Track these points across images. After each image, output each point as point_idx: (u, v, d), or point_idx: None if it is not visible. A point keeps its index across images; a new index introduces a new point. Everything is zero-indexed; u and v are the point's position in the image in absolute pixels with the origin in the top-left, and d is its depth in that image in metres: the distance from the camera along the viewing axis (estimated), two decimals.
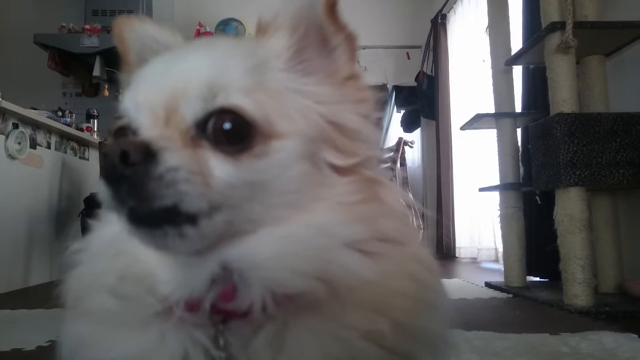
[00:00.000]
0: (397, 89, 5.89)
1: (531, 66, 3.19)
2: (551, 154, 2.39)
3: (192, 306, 0.47)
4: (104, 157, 0.41)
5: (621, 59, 2.73)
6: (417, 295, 0.47)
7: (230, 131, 0.45)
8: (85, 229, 3.65)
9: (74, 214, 4.16)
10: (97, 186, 0.43)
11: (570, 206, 2.30)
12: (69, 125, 4.25)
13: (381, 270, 0.46)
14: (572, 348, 1.41)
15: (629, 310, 2.19)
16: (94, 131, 4.88)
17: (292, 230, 0.46)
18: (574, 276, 2.27)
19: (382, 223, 0.48)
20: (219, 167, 0.45)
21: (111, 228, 0.54)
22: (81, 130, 4.54)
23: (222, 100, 0.46)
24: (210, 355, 0.46)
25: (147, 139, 0.43)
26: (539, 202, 2.90)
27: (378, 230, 0.48)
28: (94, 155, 4.53)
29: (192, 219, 0.43)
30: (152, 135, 0.44)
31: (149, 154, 0.41)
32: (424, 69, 5.75)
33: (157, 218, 0.42)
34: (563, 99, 2.37)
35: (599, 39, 2.54)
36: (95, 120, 5.03)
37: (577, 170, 2.29)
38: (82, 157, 4.49)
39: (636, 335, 1.66)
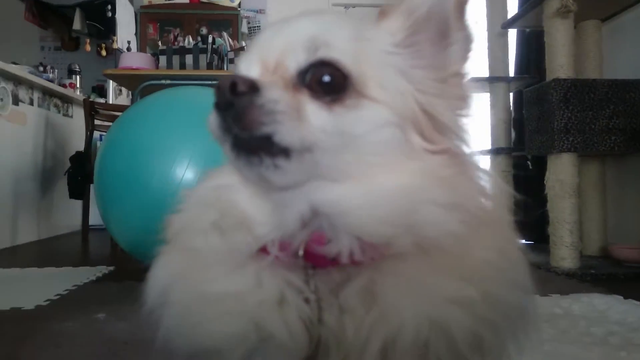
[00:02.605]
0: None
1: (527, 30, 3.17)
2: (545, 120, 2.41)
3: (285, 247, 0.50)
4: (216, 89, 0.47)
5: (617, 24, 2.72)
6: (506, 269, 0.48)
7: (327, 82, 0.50)
8: (71, 188, 3.60)
9: (59, 172, 4.09)
10: (212, 118, 0.49)
11: (561, 172, 2.34)
12: (51, 81, 4.11)
13: (471, 239, 0.47)
14: (564, 309, 1.47)
15: (612, 272, 2.27)
16: (77, 87, 4.73)
17: (380, 185, 0.49)
18: (561, 239, 2.33)
19: (473, 199, 0.49)
20: (314, 112, 0.49)
21: (211, 182, 0.58)
22: (64, 86, 4.40)
23: (322, 53, 0.51)
24: (305, 297, 0.49)
25: (254, 78, 0.49)
26: (530, 167, 2.95)
27: (469, 205, 0.48)
28: (78, 113, 4.41)
29: (285, 152, 0.48)
30: (257, 75, 0.50)
31: (254, 87, 0.47)
32: None
33: (255, 146, 0.48)
34: (560, 64, 2.37)
35: (597, 3, 2.52)
36: (78, 77, 4.87)
37: (571, 137, 2.32)
38: (66, 115, 4.37)
39: (622, 297, 1.73)
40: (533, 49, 3.13)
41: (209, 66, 3.38)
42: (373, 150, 0.50)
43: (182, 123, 2.13)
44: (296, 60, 0.51)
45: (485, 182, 0.52)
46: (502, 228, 0.51)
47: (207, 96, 2.46)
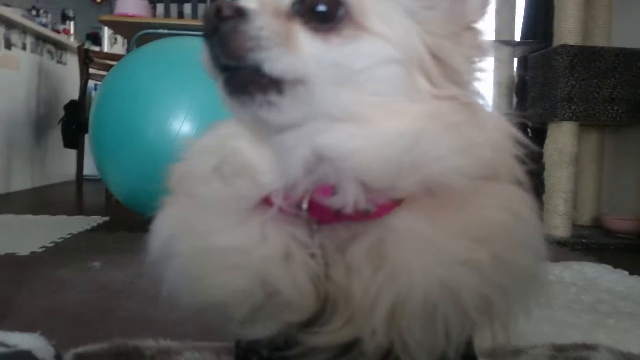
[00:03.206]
0: None
1: None
2: (549, 87, 2.37)
3: (289, 197, 0.48)
4: (203, 17, 0.45)
5: None
6: (517, 231, 0.46)
7: (321, 10, 0.47)
8: (66, 137, 3.57)
9: (53, 120, 4.03)
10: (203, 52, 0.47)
11: (561, 140, 2.33)
12: (44, 25, 3.99)
13: (482, 193, 0.46)
14: (555, 276, 1.49)
15: (603, 242, 2.31)
16: (71, 34, 4.61)
17: (385, 127, 0.47)
18: (556, 208, 2.35)
19: (483, 151, 0.47)
20: (306, 40, 0.47)
21: (215, 131, 0.56)
22: (57, 32, 4.28)
23: None
24: (310, 252, 0.47)
25: (243, 4, 0.46)
26: (530, 134, 2.93)
27: (478, 156, 0.46)
28: (72, 60, 4.30)
29: (277, 85, 0.45)
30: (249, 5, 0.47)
31: (240, 12, 0.45)
32: None
33: (245, 80, 0.46)
34: (568, 29, 2.31)
35: None
36: (72, 22, 4.73)
37: (573, 105, 2.29)
38: (60, 62, 4.27)
39: (611, 267, 1.76)
40: (541, 12, 3.06)
41: None
42: (374, 88, 0.48)
43: (180, 75, 2.08)
44: None
45: (498, 134, 0.49)
46: (513, 185, 0.49)
47: None
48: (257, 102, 0.46)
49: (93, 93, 4.39)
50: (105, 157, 2.22)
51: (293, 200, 0.48)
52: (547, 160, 2.37)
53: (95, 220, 2.56)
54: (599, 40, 2.59)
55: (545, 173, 2.38)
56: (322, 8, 0.47)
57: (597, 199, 2.76)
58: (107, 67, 3.46)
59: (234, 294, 0.47)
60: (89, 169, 4.11)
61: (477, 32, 0.52)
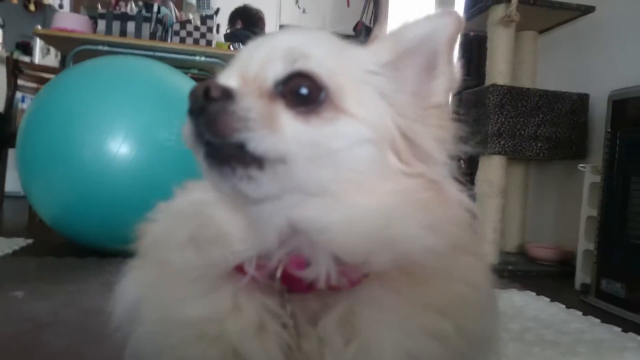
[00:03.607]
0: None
1: (471, 33, 3.28)
2: (481, 122, 2.52)
3: (262, 267, 0.49)
4: (190, 95, 0.47)
5: (552, 37, 2.88)
6: (476, 301, 0.49)
7: (303, 93, 0.50)
8: None
9: None
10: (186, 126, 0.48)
11: (491, 172, 2.47)
12: None
13: (446, 267, 0.48)
14: None
15: (527, 269, 2.45)
16: (0, 43, 4.34)
17: (358, 203, 0.49)
18: (485, 236, 2.47)
19: (448, 228, 0.49)
20: (288, 121, 0.49)
21: (190, 196, 0.56)
22: None
23: (299, 65, 0.51)
24: (282, 322, 0.48)
25: (230, 85, 0.48)
26: (462, 166, 3.08)
27: (444, 233, 0.49)
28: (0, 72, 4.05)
29: (258, 161, 0.47)
30: (235, 86, 0.49)
31: (227, 94, 0.47)
32: (363, 20, 5.69)
33: (228, 155, 0.47)
34: (499, 70, 2.49)
35: (537, 15, 2.65)
36: (1, 30, 4.46)
37: (502, 140, 2.45)
38: None
39: (534, 293, 1.88)
40: (475, 53, 3.26)
41: (152, 36, 3.21)
42: (349, 167, 0.50)
43: (120, 94, 2.03)
44: (274, 71, 0.50)
45: (459, 207, 0.53)
46: (475, 259, 0.52)
47: (148, 68, 2.36)
48: (238, 176, 0.47)
49: (20, 105, 4.14)
50: (34, 175, 2.09)
51: (265, 270, 0.48)
52: (478, 191, 2.50)
53: (17, 243, 2.38)
54: (525, 81, 2.80)
55: (476, 203, 2.51)
56: (304, 91, 0.50)
57: (521, 228, 2.93)
58: (38, 80, 3.29)
59: None
60: (10, 185, 3.85)
61: (443, 112, 0.55)
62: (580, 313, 1.67)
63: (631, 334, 1.43)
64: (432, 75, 0.56)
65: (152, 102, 2.05)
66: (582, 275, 2.15)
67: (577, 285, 2.16)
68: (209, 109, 0.45)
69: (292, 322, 0.48)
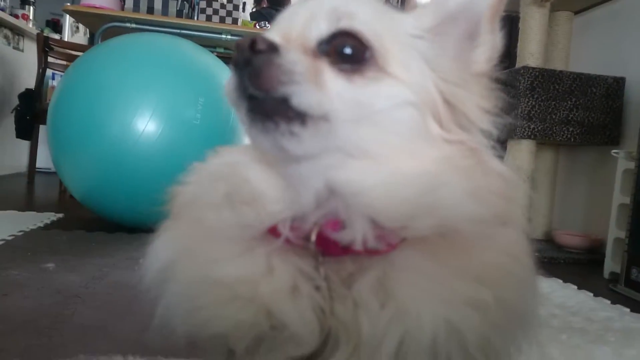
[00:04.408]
0: None
1: (503, 13, 3.19)
2: (511, 105, 2.46)
3: (297, 229, 0.48)
4: (236, 47, 0.45)
5: (588, 18, 2.78)
6: (518, 275, 0.48)
7: (347, 52, 0.49)
8: (19, 127, 3.40)
9: (7, 109, 3.85)
10: (230, 80, 0.47)
11: (520, 157, 2.41)
12: (2, 9, 3.81)
13: (486, 240, 0.47)
14: None
15: (554, 256, 2.40)
16: (30, 19, 4.41)
17: (399, 167, 0.48)
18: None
19: (493, 198, 0.48)
20: (332, 79, 0.48)
21: (224, 157, 0.56)
22: (16, 17, 4.09)
23: (344, 23, 0.50)
24: (315, 285, 0.47)
25: (273, 39, 0.47)
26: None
27: (489, 203, 0.48)
28: (30, 47, 4.13)
29: (301, 117, 0.46)
30: (259, 36, 0.47)
31: (273, 47, 0.46)
32: None
33: (271, 110, 0.46)
34: (531, 52, 2.41)
35: None
36: (32, 7, 4.53)
37: (532, 124, 2.39)
38: (17, 48, 4.08)
39: (561, 281, 1.84)
40: (506, 33, 3.17)
41: (179, 14, 3.22)
42: (391, 129, 0.49)
43: (147, 72, 2.04)
44: (318, 30, 0.50)
45: (502, 180, 0.51)
46: (515, 230, 0.51)
47: (175, 46, 2.36)
48: (280, 131, 0.46)
49: (51, 82, 4.22)
50: (64, 151, 2.13)
51: (300, 232, 0.48)
52: None
53: (49, 216, 2.45)
54: (558, 64, 2.71)
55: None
56: (348, 50, 0.49)
57: (549, 215, 2.87)
58: (67, 57, 3.34)
59: (237, 326, 0.47)
60: (41, 161, 3.95)
61: (485, 81, 0.54)
62: (609, 302, 1.64)
63: None
64: (474, 44, 0.55)
65: (178, 80, 2.06)
66: (611, 264, 2.10)
67: (606, 274, 2.11)
68: (255, 61, 0.45)
69: (326, 284, 0.48)
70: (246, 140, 0.53)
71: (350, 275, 0.48)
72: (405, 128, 0.50)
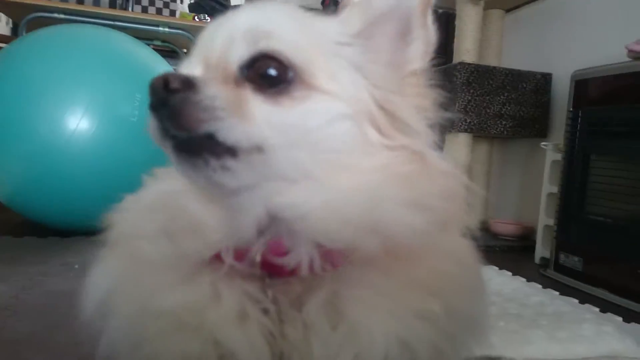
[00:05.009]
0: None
1: (440, 10, 3.28)
2: (448, 100, 2.55)
3: (240, 255, 0.47)
4: (149, 89, 0.43)
5: (518, 16, 2.92)
6: (465, 281, 0.49)
7: (270, 74, 0.47)
8: None
9: None
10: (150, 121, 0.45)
11: (456, 150, 2.51)
12: None
13: (432, 249, 0.47)
14: None
15: (490, 244, 2.52)
16: None
17: (339, 185, 0.47)
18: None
19: (435, 202, 0.48)
20: (258, 106, 0.46)
21: (160, 185, 0.53)
22: None
23: (262, 45, 0.48)
24: (263, 308, 0.46)
25: (190, 74, 0.45)
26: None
27: (431, 209, 0.47)
28: None
29: (231, 151, 0.44)
30: (198, 73, 0.45)
31: (189, 84, 0.43)
32: None
33: (198, 147, 0.44)
34: (467, 48, 2.51)
35: None
36: None
37: (468, 118, 2.48)
38: None
39: (497, 268, 1.94)
40: (443, 30, 3.27)
41: (112, 4, 3.06)
42: (327, 145, 0.48)
43: (78, 66, 1.93)
44: (237, 54, 0.48)
45: (448, 182, 0.51)
46: (459, 232, 0.52)
47: (109, 38, 2.24)
48: (212, 167, 0.44)
49: None
50: None
51: (244, 258, 0.47)
52: None
53: None
54: (491, 60, 2.83)
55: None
56: (272, 72, 0.47)
57: (485, 204, 3.01)
58: None
59: (184, 357, 0.45)
60: None
61: (420, 79, 0.53)
62: (540, 286, 1.74)
63: (587, 305, 1.50)
64: (406, 41, 0.54)
65: (113, 75, 1.97)
66: (541, 250, 2.23)
67: (537, 260, 2.24)
68: (171, 101, 0.42)
69: (275, 307, 0.47)
70: None
71: (298, 297, 0.47)
72: (341, 142, 0.48)
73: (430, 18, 0.55)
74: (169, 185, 0.52)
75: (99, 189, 1.99)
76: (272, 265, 0.47)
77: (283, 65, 0.47)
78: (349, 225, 0.45)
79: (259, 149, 0.45)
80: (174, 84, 0.42)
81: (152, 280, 0.48)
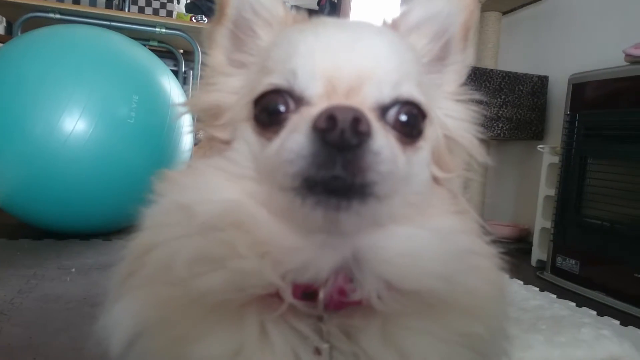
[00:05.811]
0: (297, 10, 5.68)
1: None
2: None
3: (297, 292, 0.43)
4: (328, 119, 0.39)
5: (515, 19, 2.93)
6: (500, 301, 0.48)
7: (408, 122, 0.46)
8: None
9: None
10: (295, 143, 0.41)
11: None
12: None
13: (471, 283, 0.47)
14: None
15: None
16: None
17: (418, 230, 0.46)
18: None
19: (472, 236, 0.49)
20: (400, 155, 0.45)
21: (215, 192, 0.46)
22: None
23: (406, 91, 0.46)
24: (317, 348, 0.43)
25: (367, 115, 0.41)
26: None
27: (473, 241, 0.48)
28: None
29: (375, 196, 0.42)
30: (356, 107, 0.41)
31: (369, 131, 0.40)
32: None
33: (348, 189, 0.40)
34: None
35: None
36: None
37: None
38: None
39: None
40: None
41: (108, 5, 3.05)
42: (417, 190, 0.47)
43: (75, 67, 1.92)
44: (379, 94, 0.45)
45: (472, 214, 0.52)
46: (492, 261, 0.51)
47: (105, 38, 2.22)
48: (353, 210, 0.41)
49: None
50: None
51: (300, 294, 0.43)
52: None
53: None
54: (488, 62, 2.84)
55: None
56: (407, 117, 0.46)
57: (480, 206, 3.01)
58: None
59: None
60: None
61: (463, 100, 0.54)
62: (537, 289, 1.74)
63: (584, 309, 1.51)
64: (444, 64, 0.54)
65: (110, 76, 1.95)
66: (538, 252, 2.24)
67: (534, 262, 2.25)
68: (354, 144, 0.39)
69: (328, 345, 0.43)
70: (187, 145, 0.47)
71: (355, 328, 0.44)
72: (425, 186, 0.49)
73: (470, 41, 0.55)
74: (230, 193, 0.45)
75: (96, 191, 1.98)
76: (337, 302, 0.44)
77: (421, 116, 0.47)
78: (428, 274, 0.44)
79: (390, 196, 0.42)
80: (364, 127, 0.39)
81: (191, 321, 0.42)
